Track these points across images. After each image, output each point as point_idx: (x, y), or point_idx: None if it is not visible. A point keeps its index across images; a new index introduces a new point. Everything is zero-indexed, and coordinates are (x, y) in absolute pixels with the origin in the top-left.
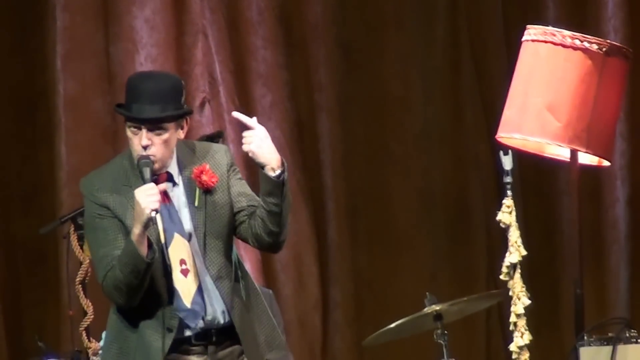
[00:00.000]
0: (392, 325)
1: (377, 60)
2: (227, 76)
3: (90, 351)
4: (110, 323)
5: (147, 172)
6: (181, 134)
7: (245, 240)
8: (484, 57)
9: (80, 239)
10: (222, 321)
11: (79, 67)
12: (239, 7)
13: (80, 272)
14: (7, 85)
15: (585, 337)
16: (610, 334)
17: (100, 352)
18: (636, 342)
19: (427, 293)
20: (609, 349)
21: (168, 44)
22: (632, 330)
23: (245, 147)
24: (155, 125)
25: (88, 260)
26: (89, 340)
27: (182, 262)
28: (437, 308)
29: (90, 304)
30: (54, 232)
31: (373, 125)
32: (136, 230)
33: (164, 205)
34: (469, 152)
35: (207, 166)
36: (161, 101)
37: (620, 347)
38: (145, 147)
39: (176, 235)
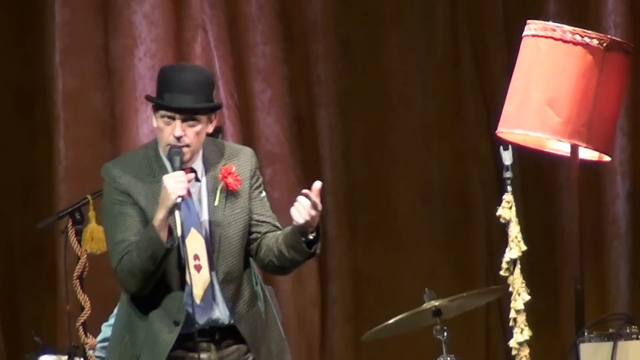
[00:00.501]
0: (391, 321)
1: (376, 55)
2: (227, 71)
3: (87, 346)
4: (120, 313)
5: (177, 161)
6: (210, 128)
7: (249, 255)
8: (484, 52)
9: (78, 233)
10: (226, 322)
11: (78, 62)
12: (239, 2)
13: (77, 267)
14: (6, 80)
15: (586, 333)
16: (610, 330)
17: (98, 346)
18: (637, 339)
19: (426, 289)
20: (609, 345)
21: (167, 39)
22: (633, 327)
23: (297, 217)
24: (189, 115)
25: (85, 255)
26: (86, 336)
27: (196, 257)
28: (436, 304)
29: (87, 299)
30: (51, 227)
31: (372, 120)
32: (159, 215)
33: (185, 198)
34: (469, 147)
35: (234, 168)
36: (195, 92)
37: (621, 344)
38: (178, 138)
39: (192, 230)
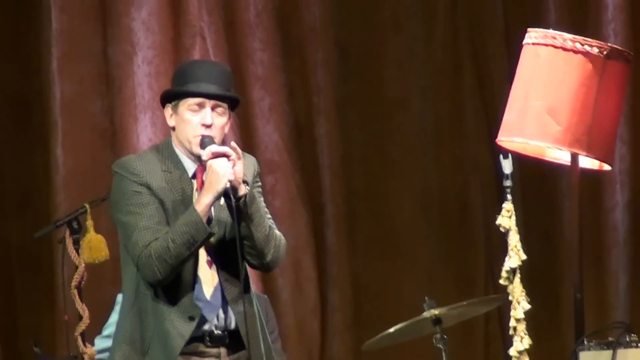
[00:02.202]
0: (391, 329)
1: (375, 63)
2: None
3: (85, 356)
4: (124, 312)
5: (213, 148)
6: (227, 128)
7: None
8: (484, 60)
9: (76, 243)
10: (233, 325)
11: (76, 69)
12: (237, 9)
13: (75, 276)
14: (3, 87)
15: (585, 342)
16: (610, 339)
17: (97, 357)
18: (636, 347)
19: (425, 297)
20: (609, 353)
21: (164, 46)
22: (632, 335)
23: (240, 173)
24: (218, 103)
25: (83, 265)
26: (85, 345)
27: (209, 252)
28: (436, 312)
29: (85, 308)
30: (49, 236)
31: (371, 128)
32: (206, 200)
33: (200, 192)
34: (468, 155)
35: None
36: (219, 82)
37: (621, 352)
38: (209, 126)
39: None
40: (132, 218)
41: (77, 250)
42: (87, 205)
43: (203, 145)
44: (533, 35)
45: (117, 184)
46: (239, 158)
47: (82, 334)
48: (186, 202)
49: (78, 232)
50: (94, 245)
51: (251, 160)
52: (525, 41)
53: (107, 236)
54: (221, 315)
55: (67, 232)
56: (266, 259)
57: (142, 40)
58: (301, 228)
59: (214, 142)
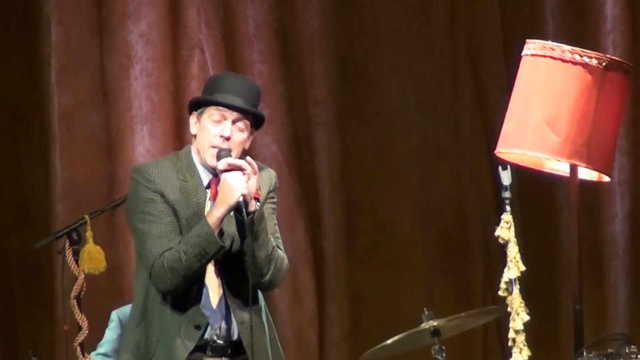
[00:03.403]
0: (389, 341)
1: (374, 74)
2: None
3: None
4: (134, 315)
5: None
6: (247, 144)
7: None
8: (482, 72)
9: (76, 254)
10: (236, 335)
11: (74, 81)
12: (235, 21)
13: (75, 287)
14: (2, 100)
15: (585, 353)
16: (609, 350)
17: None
18: (636, 358)
19: (424, 308)
20: None
21: (163, 59)
22: (632, 346)
23: (253, 188)
24: (240, 117)
25: (83, 276)
26: (84, 356)
27: (216, 261)
28: (435, 324)
29: (85, 319)
30: (48, 247)
31: (370, 140)
32: (218, 213)
33: (212, 202)
34: (467, 166)
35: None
36: (247, 97)
37: None
38: (227, 139)
39: None
40: (146, 226)
41: (76, 261)
42: (87, 217)
43: (219, 157)
44: (531, 46)
45: (133, 189)
46: (254, 173)
47: (81, 344)
48: (200, 213)
49: (78, 243)
50: (94, 256)
51: (269, 174)
52: (523, 52)
53: (104, 247)
54: (224, 325)
55: (67, 243)
56: (263, 278)
57: (141, 52)
58: (299, 239)
59: (230, 156)
